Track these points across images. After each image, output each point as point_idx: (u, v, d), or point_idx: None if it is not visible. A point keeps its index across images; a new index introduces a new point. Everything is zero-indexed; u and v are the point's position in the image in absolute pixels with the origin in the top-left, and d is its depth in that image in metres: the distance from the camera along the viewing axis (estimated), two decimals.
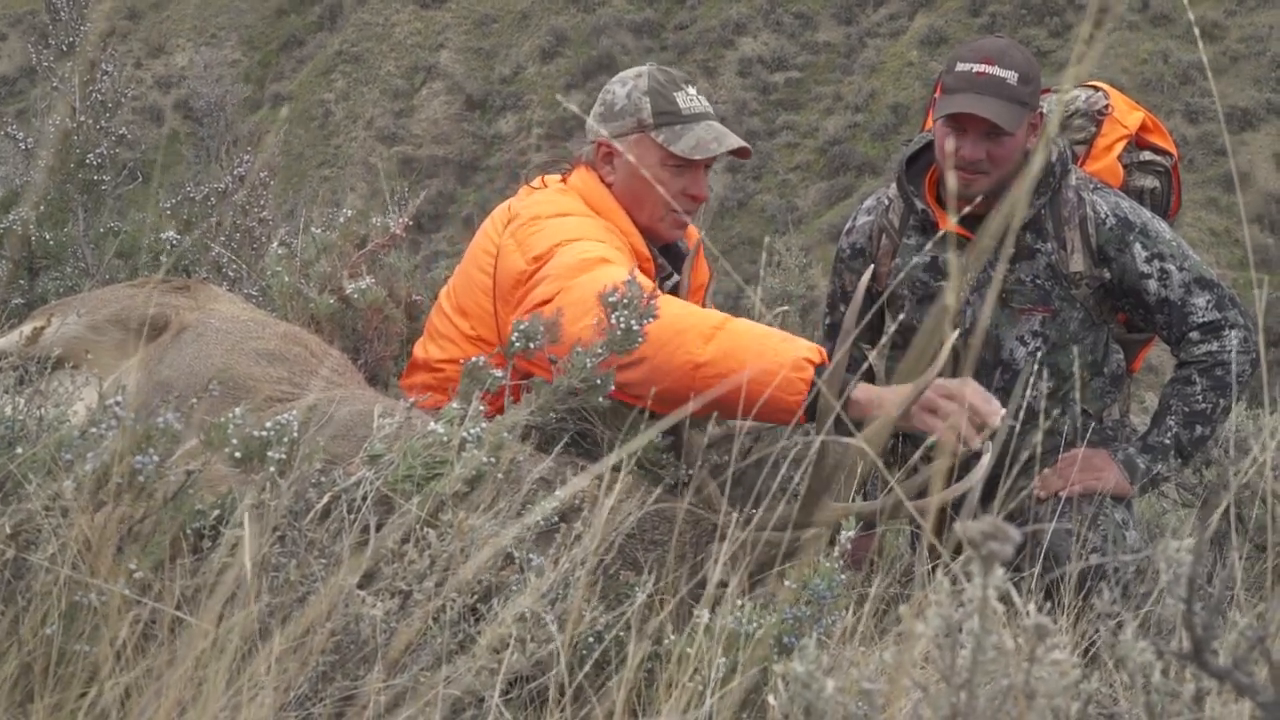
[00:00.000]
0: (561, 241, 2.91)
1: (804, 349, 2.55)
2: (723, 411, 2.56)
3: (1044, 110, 3.51)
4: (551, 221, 3.03)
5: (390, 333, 3.66)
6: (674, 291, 3.20)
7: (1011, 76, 3.34)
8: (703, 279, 3.50)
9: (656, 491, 2.44)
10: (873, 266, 3.13)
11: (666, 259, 3.35)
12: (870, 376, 3.66)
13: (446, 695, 1.82)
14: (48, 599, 1.70)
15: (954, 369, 2.56)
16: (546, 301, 2.74)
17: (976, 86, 3.34)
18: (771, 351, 2.54)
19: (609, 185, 3.24)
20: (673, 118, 3.18)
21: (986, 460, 2.42)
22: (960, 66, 3.39)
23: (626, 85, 3.24)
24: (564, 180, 3.30)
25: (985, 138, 3.35)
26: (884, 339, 3.62)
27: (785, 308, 5.68)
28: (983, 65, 3.35)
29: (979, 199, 3.36)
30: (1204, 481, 4.26)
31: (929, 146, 3.66)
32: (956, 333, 3.09)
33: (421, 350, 3.29)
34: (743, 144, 3.22)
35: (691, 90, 3.24)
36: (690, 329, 2.56)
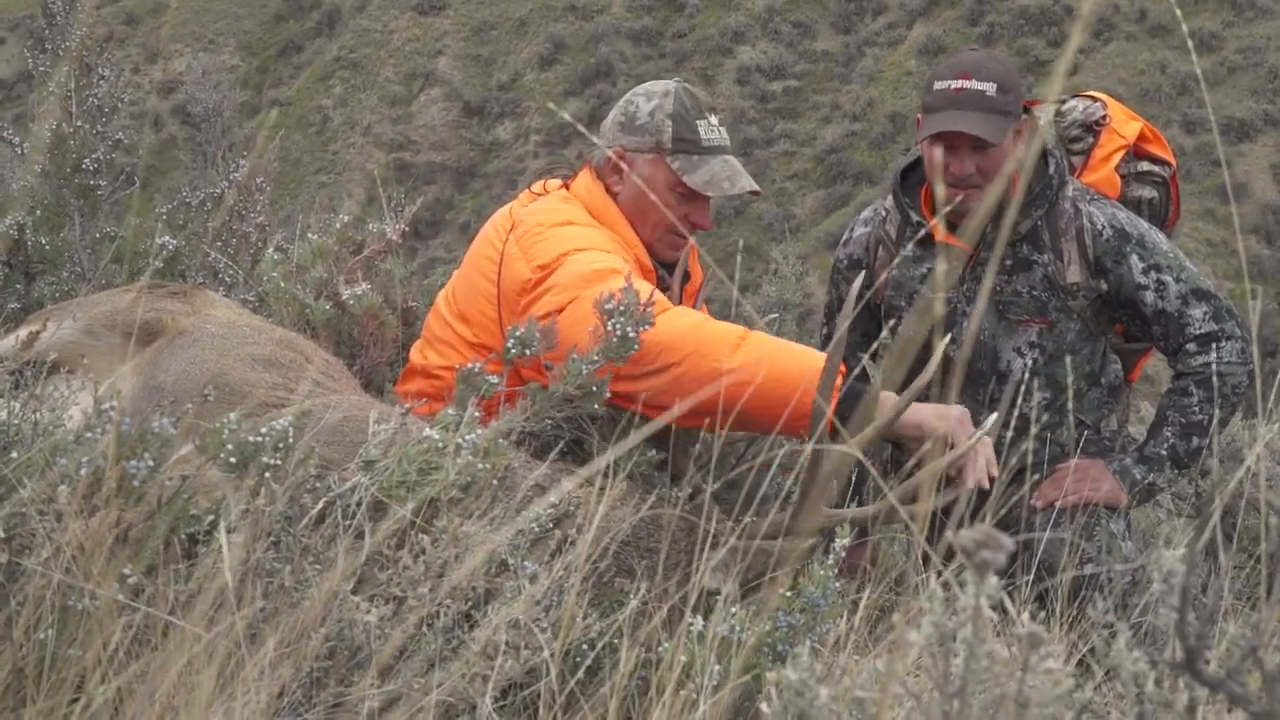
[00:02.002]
0: (569, 250, 2.90)
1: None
2: (747, 422, 2.57)
3: (1034, 116, 3.51)
4: (557, 230, 3.01)
5: (386, 339, 3.65)
6: None
7: (990, 88, 3.34)
8: (696, 283, 3.50)
9: (651, 499, 2.44)
10: (864, 273, 3.14)
11: (667, 273, 3.34)
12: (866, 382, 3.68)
13: (439, 701, 1.81)
14: (41, 603, 1.70)
15: (943, 377, 2.58)
16: (558, 311, 2.74)
17: (956, 103, 3.34)
18: (800, 358, 2.58)
19: (614, 195, 3.22)
20: (692, 147, 3.16)
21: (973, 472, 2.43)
22: (938, 85, 3.40)
23: (652, 101, 3.20)
24: (566, 186, 3.29)
25: (972, 152, 3.36)
26: (874, 344, 3.64)
27: (775, 315, 5.68)
28: (960, 81, 3.35)
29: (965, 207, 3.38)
30: (1199, 491, 4.27)
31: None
32: (948, 338, 3.10)
33: (419, 356, 3.28)
34: (754, 187, 3.22)
35: (714, 120, 3.21)
36: (716, 338, 2.59)
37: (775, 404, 2.52)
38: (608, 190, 3.22)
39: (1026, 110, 3.50)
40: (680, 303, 3.26)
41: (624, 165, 3.16)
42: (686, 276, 3.38)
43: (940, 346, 2.36)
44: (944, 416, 2.63)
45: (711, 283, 3.60)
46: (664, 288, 3.27)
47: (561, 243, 2.94)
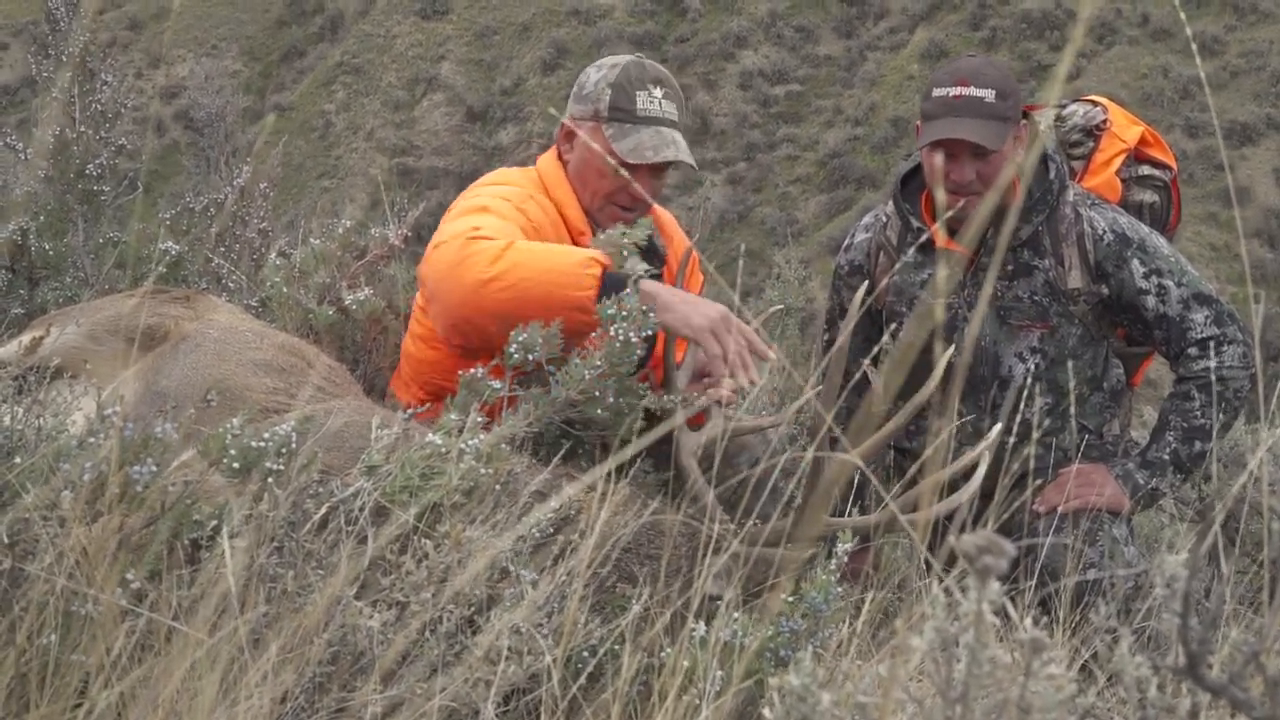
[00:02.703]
0: (469, 195, 3.09)
1: (590, 251, 2.72)
2: (519, 315, 2.63)
3: (1034, 121, 3.51)
4: (485, 187, 3.17)
5: (388, 344, 3.65)
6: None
7: (989, 94, 3.34)
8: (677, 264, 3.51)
9: (653, 505, 2.44)
10: (866, 283, 3.14)
11: (646, 259, 3.35)
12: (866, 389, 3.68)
13: (442, 706, 1.81)
14: (44, 608, 1.70)
15: (944, 383, 2.58)
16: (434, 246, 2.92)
17: (955, 110, 3.35)
18: (560, 255, 2.70)
19: (565, 162, 3.30)
20: (626, 116, 3.19)
21: (980, 473, 2.42)
22: (937, 92, 3.40)
23: (601, 71, 3.27)
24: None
25: (972, 158, 3.36)
26: (875, 349, 3.64)
27: (779, 307, 5.68)
28: (958, 88, 3.36)
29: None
30: (1201, 496, 4.26)
31: None
32: (951, 349, 3.10)
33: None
34: (682, 158, 3.23)
35: (657, 92, 3.23)
36: (474, 254, 2.71)
37: (545, 302, 2.62)
38: (560, 158, 3.31)
39: (1026, 115, 3.50)
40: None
41: (576, 131, 3.22)
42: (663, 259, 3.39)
43: (944, 357, 2.35)
44: (703, 316, 2.68)
45: (714, 288, 3.60)
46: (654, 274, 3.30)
47: (470, 193, 3.13)
